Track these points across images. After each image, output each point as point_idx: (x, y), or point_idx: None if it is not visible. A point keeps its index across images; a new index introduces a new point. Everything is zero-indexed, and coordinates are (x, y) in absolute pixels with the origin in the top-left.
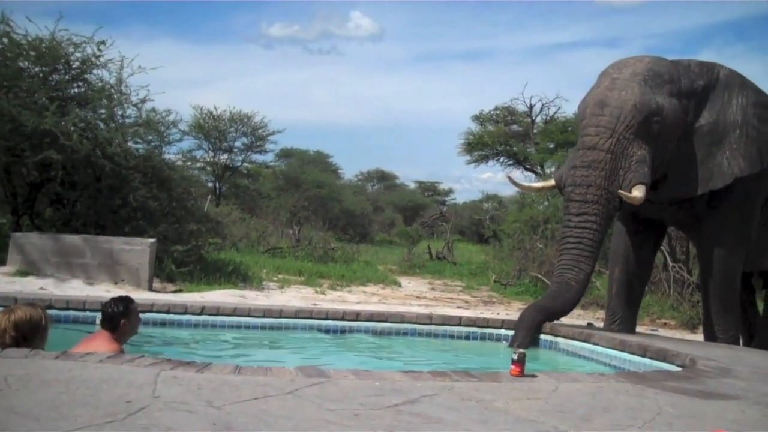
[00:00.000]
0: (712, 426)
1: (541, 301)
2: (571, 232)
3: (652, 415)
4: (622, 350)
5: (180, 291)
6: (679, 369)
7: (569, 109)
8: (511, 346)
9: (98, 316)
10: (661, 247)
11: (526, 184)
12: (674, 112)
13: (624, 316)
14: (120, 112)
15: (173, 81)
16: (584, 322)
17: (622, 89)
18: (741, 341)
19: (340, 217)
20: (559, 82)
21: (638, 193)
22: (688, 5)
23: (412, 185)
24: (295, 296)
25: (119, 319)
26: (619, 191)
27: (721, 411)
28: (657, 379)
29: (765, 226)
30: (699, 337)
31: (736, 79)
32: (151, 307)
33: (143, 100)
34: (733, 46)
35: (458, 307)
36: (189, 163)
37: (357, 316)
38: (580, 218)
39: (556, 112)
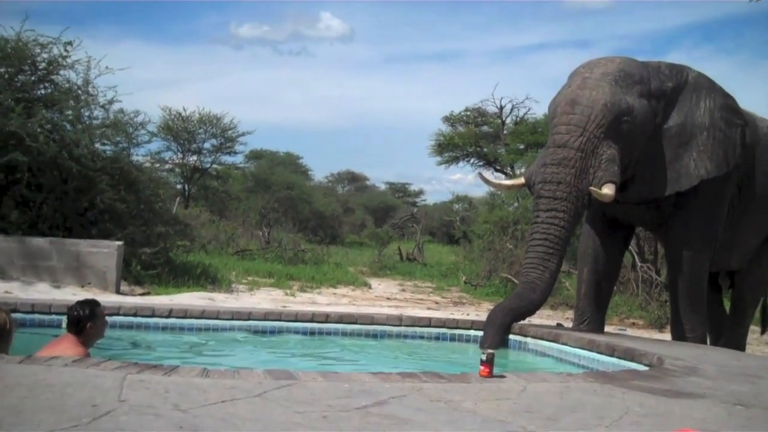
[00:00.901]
0: (678, 425)
1: (507, 302)
2: (539, 228)
3: (619, 415)
4: (591, 350)
5: (148, 294)
6: (647, 368)
7: (539, 110)
8: (481, 347)
9: (64, 319)
10: (630, 248)
11: (496, 181)
12: (644, 113)
13: (592, 316)
14: (87, 114)
15: (141, 82)
16: (553, 323)
17: (593, 88)
18: (708, 340)
19: (310, 218)
20: (529, 83)
21: (608, 190)
22: (657, 7)
23: (383, 186)
24: (264, 298)
25: (85, 322)
26: (591, 188)
27: (687, 410)
28: (624, 379)
29: (731, 227)
30: (667, 336)
31: (704, 82)
32: (118, 310)
33: (111, 102)
34: (700, 48)
35: (428, 309)
36: (157, 164)
37: (327, 318)
38: (548, 214)
39: (526, 114)
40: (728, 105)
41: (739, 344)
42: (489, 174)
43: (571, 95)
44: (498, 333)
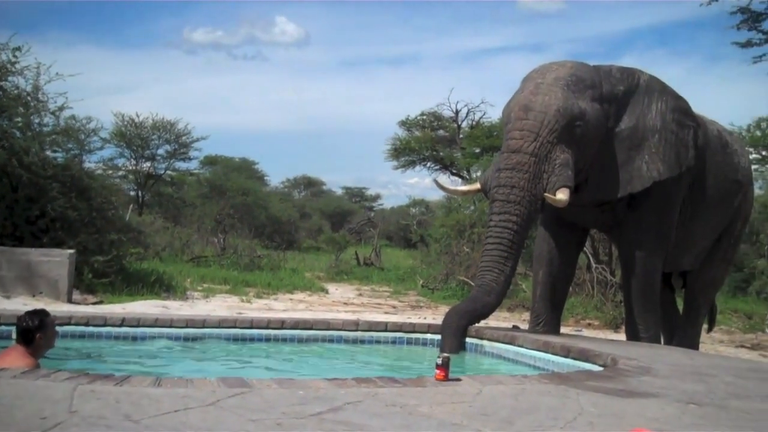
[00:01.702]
0: (632, 424)
1: (462, 305)
2: (492, 232)
3: (573, 415)
4: (546, 351)
5: (101, 302)
6: (601, 369)
7: (494, 114)
8: (443, 352)
9: (14, 330)
10: (585, 249)
11: (452, 187)
12: (596, 117)
13: (548, 318)
14: (37, 121)
15: (93, 88)
16: (510, 325)
17: (546, 94)
18: (662, 339)
19: (266, 224)
20: (484, 87)
21: (563, 196)
22: (611, 10)
23: (339, 191)
24: (220, 305)
25: (34, 333)
26: (545, 194)
27: (641, 409)
28: (579, 379)
29: (683, 228)
30: (622, 336)
31: (656, 84)
32: (69, 320)
33: (61, 108)
34: (653, 51)
35: (386, 313)
36: (110, 171)
37: (282, 324)
38: (501, 217)
39: (481, 117)
40: (680, 107)
41: (692, 343)
42: (445, 179)
43: (525, 101)
44: (456, 337)
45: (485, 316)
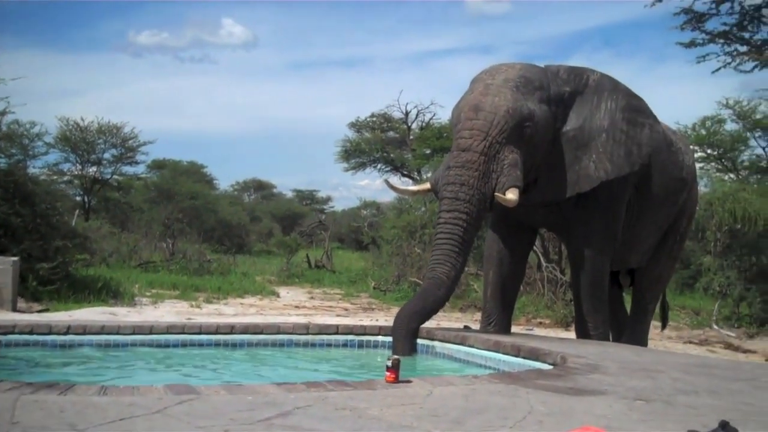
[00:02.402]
0: (581, 422)
1: (411, 305)
2: (442, 228)
3: (523, 414)
4: (497, 351)
5: (46, 310)
6: (551, 367)
7: (444, 115)
8: (395, 354)
9: None
10: (535, 248)
11: (403, 187)
12: (545, 119)
13: (499, 317)
14: None
15: (37, 92)
16: (462, 325)
17: (496, 95)
18: (611, 337)
19: (215, 228)
20: (434, 88)
21: (512, 196)
22: (557, 12)
23: (290, 194)
24: (169, 311)
25: None
26: (496, 194)
27: (589, 407)
28: (529, 378)
29: (630, 226)
30: (573, 334)
31: (606, 84)
32: (13, 328)
33: (3, 113)
34: (600, 52)
35: (338, 315)
36: (55, 177)
37: (232, 329)
38: (450, 215)
39: (431, 119)
40: (631, 105)
41: (640, 340)
42: (396, 180)
43: (474, 101)
44: (407, 339)
45: (435, 311)
